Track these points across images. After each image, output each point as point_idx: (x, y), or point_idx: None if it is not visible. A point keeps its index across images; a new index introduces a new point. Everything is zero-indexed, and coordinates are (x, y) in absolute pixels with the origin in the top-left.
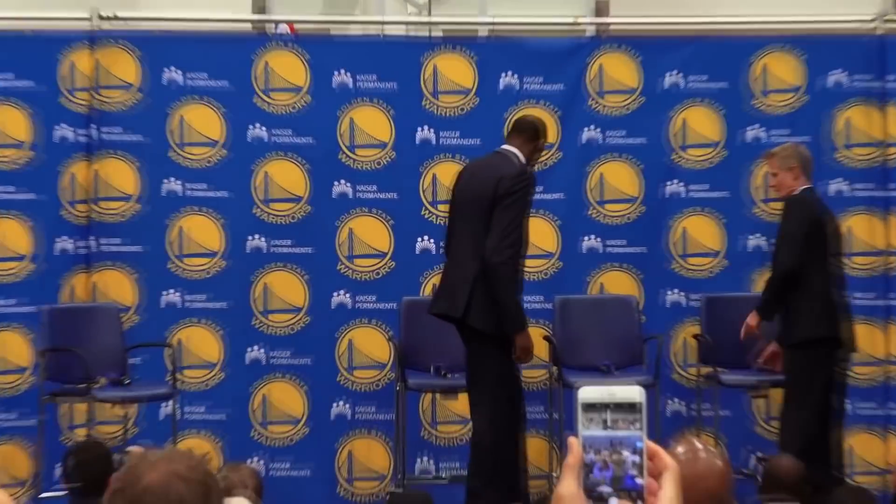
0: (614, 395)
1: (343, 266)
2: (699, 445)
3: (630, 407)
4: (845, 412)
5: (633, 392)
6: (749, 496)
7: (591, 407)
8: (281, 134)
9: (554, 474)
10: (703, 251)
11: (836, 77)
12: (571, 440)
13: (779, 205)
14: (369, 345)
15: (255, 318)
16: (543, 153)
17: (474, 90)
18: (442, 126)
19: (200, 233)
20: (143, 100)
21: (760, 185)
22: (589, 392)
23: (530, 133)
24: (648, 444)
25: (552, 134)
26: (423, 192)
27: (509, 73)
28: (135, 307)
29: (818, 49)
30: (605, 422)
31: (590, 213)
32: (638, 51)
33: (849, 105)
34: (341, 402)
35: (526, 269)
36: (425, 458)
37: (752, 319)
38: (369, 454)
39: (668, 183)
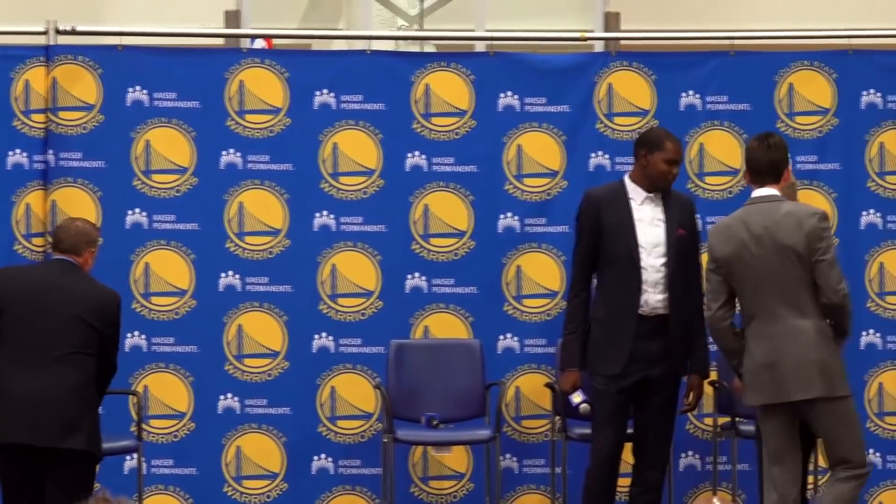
0: None
1: (325, 306)
2: None
3: None
4: None
5: None
6: None
7: None
8: (257, 160)
9: None
10: None
11: (869, 98)
12: None
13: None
14: (354, 393)
15: (227, 364)
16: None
17: (471, 112)
18: (435, 151)
19: (168, 269)
20: (104, 122)
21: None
22: None
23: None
24: None
25: (556, 160)
26: (414, 224)
27: (509, 92)
28: None
29: (850, 67)
30: None
31: None
32: (651, 68)
33: (884, 129)
34: (323, 456)
35: None
36: None
37: None
38: None
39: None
